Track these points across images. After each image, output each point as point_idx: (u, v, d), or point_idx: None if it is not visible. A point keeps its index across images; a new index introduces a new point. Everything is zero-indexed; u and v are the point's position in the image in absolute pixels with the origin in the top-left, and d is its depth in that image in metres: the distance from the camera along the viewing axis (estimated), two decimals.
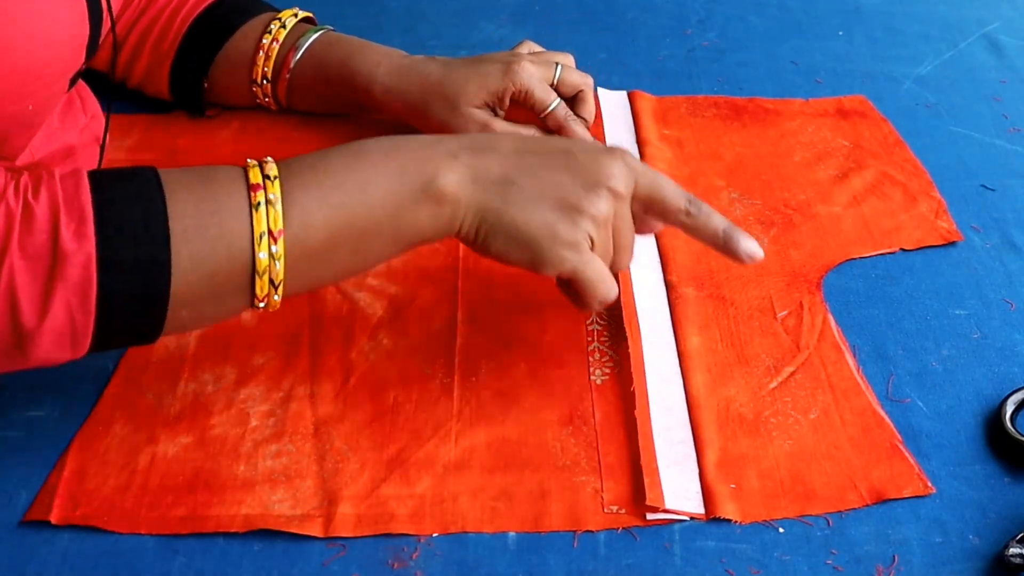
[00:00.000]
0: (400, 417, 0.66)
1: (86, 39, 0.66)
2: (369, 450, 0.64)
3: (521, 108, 0.84)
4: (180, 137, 0.89)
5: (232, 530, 0.59)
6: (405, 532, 0.59)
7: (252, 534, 0.59)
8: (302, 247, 0.58)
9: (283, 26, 0.87)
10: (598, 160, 0.63)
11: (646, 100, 0.94)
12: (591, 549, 0.59)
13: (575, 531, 0.60)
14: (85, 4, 0.65)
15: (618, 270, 0.66)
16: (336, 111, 0.90)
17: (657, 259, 0.77)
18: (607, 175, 0.63)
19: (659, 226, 0.68)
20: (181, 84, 0.89)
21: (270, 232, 0.57)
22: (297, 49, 0.86)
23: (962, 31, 1.05)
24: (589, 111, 0.86)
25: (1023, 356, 0.70)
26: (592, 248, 0.63)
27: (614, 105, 0.94)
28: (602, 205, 0.62)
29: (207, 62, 0.87)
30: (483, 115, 0.83)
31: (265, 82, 0.88)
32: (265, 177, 0.58)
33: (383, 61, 0.85)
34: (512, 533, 0.60)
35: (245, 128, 0.90)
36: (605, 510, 0.61)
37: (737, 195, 0.83)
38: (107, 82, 0.84)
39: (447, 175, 0.61)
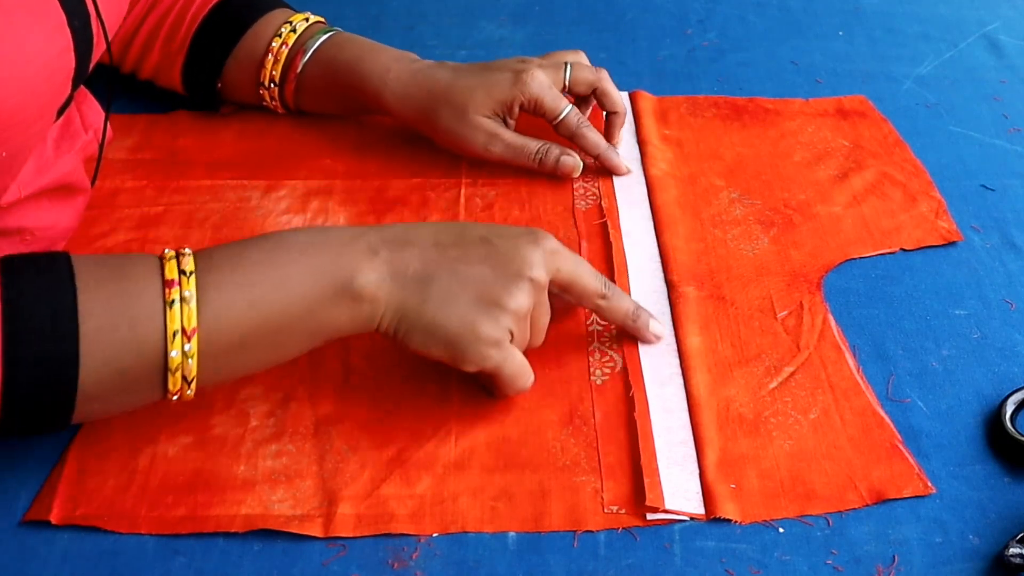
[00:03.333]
0: (400, 417, 0.66)
1: (72, 71, 0.62)
2: (369, 450, 0.64)
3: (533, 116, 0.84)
4: (180, 137, 0.89)
5: (232, 530, 0.59)
6: (405, 532, 0.59)
7: (252, 534, 0.59)
8: (216, 345, 0.58)
9: (293, 30, 0.86)
10: (519, 249, 0.63)
11: (646, 100, 0.94)
12: (591, 549, 0.59)
13: (575, 531, 0.60)
14: (70, 34, 0.61)
15: (531, 348, 0.66)
16: (346, 113, 0.90)
17: (658, 258, 0.77)
18: (528, 264, 0.62)
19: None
20: (194, 83, 0.88)
21: (183, 331, 0.56)
22: (304, 52, 0.85)
23: (962, 31, 1.05)
24: (612, 102, 0.86)
25: (1023, 356, 0.70)
26: (511, 340, 0.63)
27: None
28: (522, 299, 0.62)
29: (219, 62, 0.87)
30: (491, 124, 0.82)
31: (272, 85, 0.87)
32: (181, 272, 0.57)
33: (393, 66, 0.83)
34: (512, 533, 0.60)
35: (246, 129, 0.90)
36: (605, 510, 0.61)
37: (737, 195, 0.83)
38: (105, 80, 0.77)
39: (367, 274, 0.60)
